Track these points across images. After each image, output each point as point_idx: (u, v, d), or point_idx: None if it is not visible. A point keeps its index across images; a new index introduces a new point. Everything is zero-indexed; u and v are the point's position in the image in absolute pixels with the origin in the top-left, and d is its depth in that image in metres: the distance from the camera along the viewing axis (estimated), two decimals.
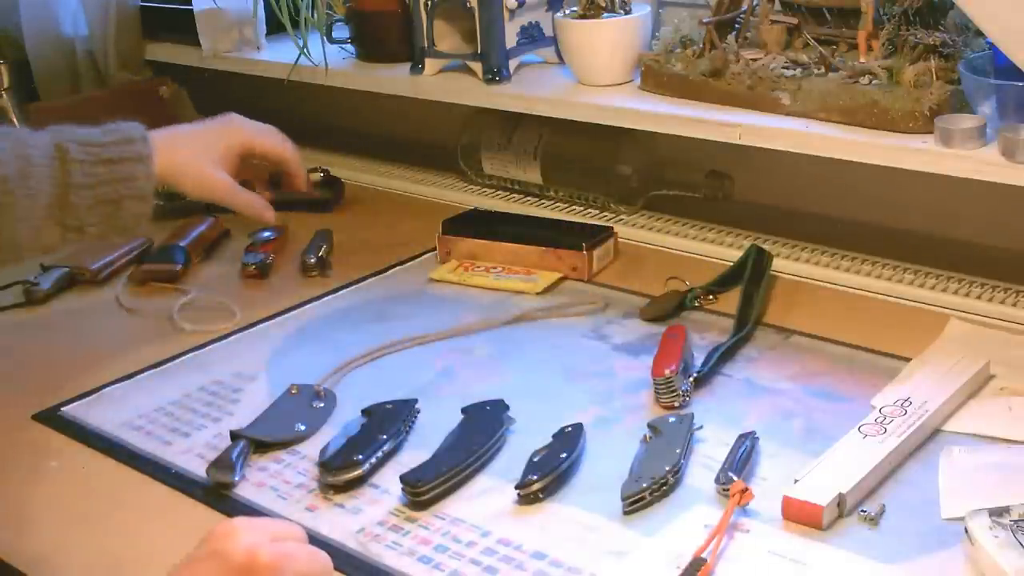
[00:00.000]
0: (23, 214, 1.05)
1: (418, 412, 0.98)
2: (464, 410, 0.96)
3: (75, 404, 1.04)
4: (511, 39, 1.38)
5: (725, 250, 1.27)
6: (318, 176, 1.50)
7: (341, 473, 0.89)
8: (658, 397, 0.97)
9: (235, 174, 1.19)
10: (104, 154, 1.09)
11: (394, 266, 1.29)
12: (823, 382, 1.00)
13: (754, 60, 1.22)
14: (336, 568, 0.75)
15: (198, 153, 1.18)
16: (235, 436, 0.96)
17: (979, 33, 1.09)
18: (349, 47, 1.54)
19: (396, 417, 0.96)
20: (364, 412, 0.97)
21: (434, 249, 1.31)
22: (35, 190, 1.05)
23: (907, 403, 0.91)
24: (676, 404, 0.96)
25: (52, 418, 1.03)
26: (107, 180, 1.08)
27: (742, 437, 0.89)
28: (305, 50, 1.48)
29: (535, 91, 1.35)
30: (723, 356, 1.03)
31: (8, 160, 1.05)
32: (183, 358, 1.12)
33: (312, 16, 1.49)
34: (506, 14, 1.35)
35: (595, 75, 1.33)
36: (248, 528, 0.71)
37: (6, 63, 1.70)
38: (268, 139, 1.25)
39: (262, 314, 1.19)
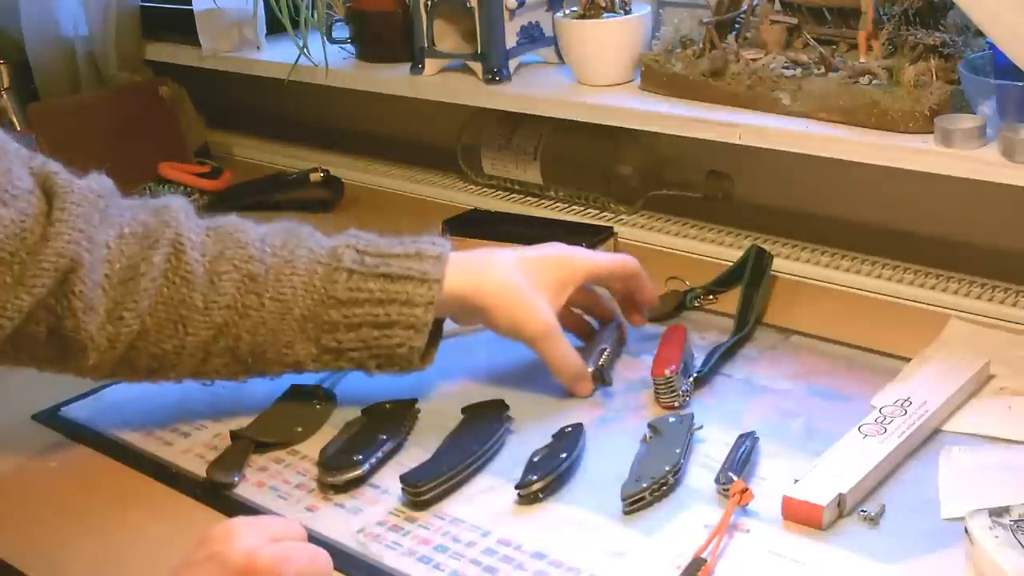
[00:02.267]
0: (269, 322, 0.92)
1: (418, 412, 0.98)
2: (464, 410, 0.96)
3: (75, 404, 1.04)
4: (511, 39, 1.38)
5: (725, 250, 1.27)
6: (318, 176, 1.50)
7: (341, 473, 0.89)
8: (658, 397, 0.97)
9: (559, 317, 0.98)
10: (382, 268, 0.93)
11: None
12: (823, 382, 1.00)
13: (754, 60, 1.22)
14: (336, 568, 0.75)
15: (513, 278, 0.96)
16: (235, 436, 0.96)
17: (979, 33, 1.09)
18: (349, 47, 1.54)
19: (396, 417, 0.96)
20: (364, 412, 0.97)
21: None
22: (287, 296, 0.92)
23: (907, 403, 0.91)
24: (676, 404, 0.96)
25: (52, 418, 1.03)
26: (376, 299, 0.92)
27: (742, 437, 0.89)
28: (305, 50, 1.48)
29: (535, 91, 1.35)
30: (723, 356, 1.03)
31: (262, 257, 0.93)
32: None
33: (312, 16, 1.49)
34: (506, 14, 1.35)
35: (595, 75, 1.33)
36: (247, 529, 0.70)
37: (6, 63, 1.70)
38: (605, 257, 1.05)
39: None
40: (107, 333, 0.89)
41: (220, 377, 0.96)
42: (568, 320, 1.04)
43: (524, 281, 0.96)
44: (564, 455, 0.88)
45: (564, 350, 0.97)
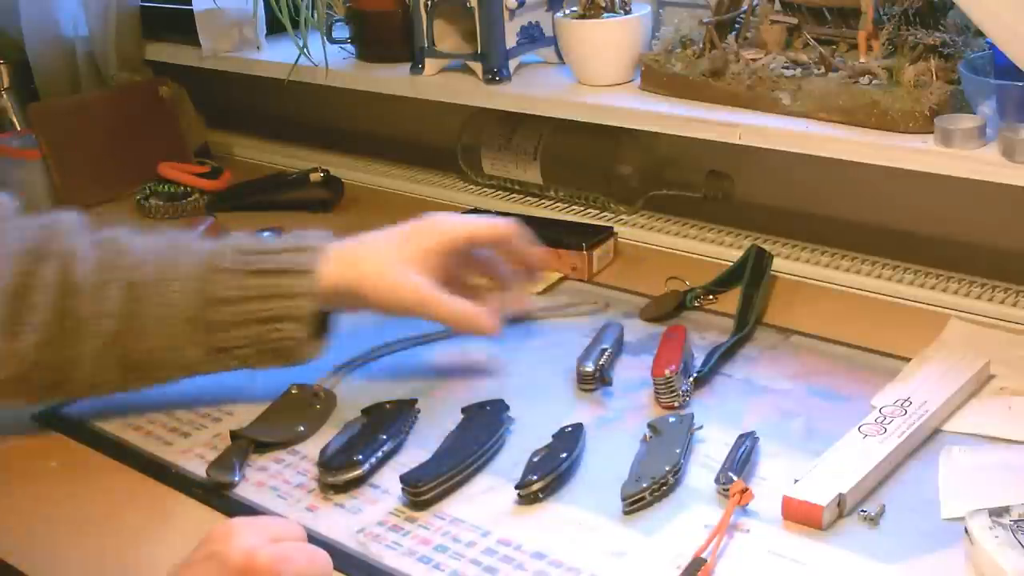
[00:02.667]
0: (157, 328, 0.94)
1: (418, 412, 0.98)
2: (464, 410, 0.96)
3: (75, 404, 1.04)
4: (511, 39, 1.38)
5: (725, 250, 1.27)
6: (318, 176, 1.50)
7: (341, 473, 0.89)
8: (658, 397, 0.97)
9: (442, 279, 0.99)
10: (260, 264, 0.95)
11: None
12: (823, 382, 1.00)
13: (754, 60, 1.22)
14: (336, 568, 0.75)
15: (383, 257, 0.98)
16: (235, 436, 0.96)
17: (979, 33, 1.09)
18: (349, 47, 1.53)
19: (396, 417, 0.96)
20: (364, 412, 0.97)
21: None
22: (171, 301, 0.94)
23: (907, 403, 0.91)
24: (676, 404, 0.96)
25: (52, 418, 1.03)
26: (259, 295, 0.95)
27: (742, 437, 0.89)
28: (305, 50, 1.48)
29: (535, 91, 1.35)
30: (723, 356, 1.03)
31: (145, 265, 0.95)
32: None
33: (312, 16, 1.49)
34: (506, 14, 1.35)
35: (595, 75, 1.33)
36: (246, 529, 0.71)
37: (6, 63, 1.70)
38: (477, 222, 1.03)
39: None
40: (5, 350, 0.91)
41: (114, 389, 0.97)
42: (458, 289, 1.03)
43: (391, 257, 0.98)
44: (564, 455, 0.88)
45: (448, 305, 0.97)
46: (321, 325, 0.99)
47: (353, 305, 0.99)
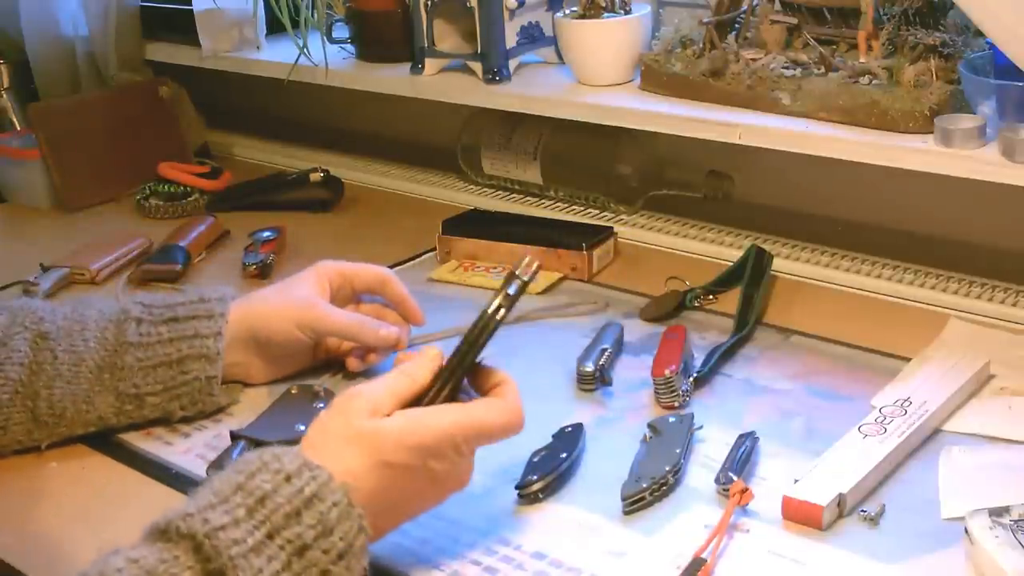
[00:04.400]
0: (66, 375, 0.95)
1: None
2: None
3: None
4: (511, 39, 1.38)
5: (725, 250, 1.27)
6: (318, 176, 1.50)
7: None
8: (658, 397, 0.97)
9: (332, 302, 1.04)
10: (168, 314, 0.98)
11: (394, 266, 1.29)
12: (823, 382, 1.00)
13: (754, 60, 1.22)
14: None
15: (275, 290, 1.04)
16: (235, 436, 0.95)
17: (979, 33, 1.10)
18: (349, 47, 1.54)
19: None
20: None
21: (434, 249, 1.31)
22: (80, 348, 0.96)
23: (907, 403, 0.91)
24: (676, 404, 0.96)
25: None
26: (167, 339, 0.97)
27: (742, 437, 0.89)
28: (305, 50, 1.48)
29: (535, 91, 1.35)
30: (723, 356, 1.03)
31: (55, 318, 0.97)
32: None
33: (312, 16, 1.49)
34: (506, 14, 1.35)
35: (595, 75, 1.33)
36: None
37: (6, 63, 1.71)
38: (359, 264, 1.07)
39: None
40: None
41: (22, 444, 0.96)
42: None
43: (282, 287, 1.04)
44: (564, 455, 0.88)
45: (342, 315, 1.02)
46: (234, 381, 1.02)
47: (255, 349, 1.02)
